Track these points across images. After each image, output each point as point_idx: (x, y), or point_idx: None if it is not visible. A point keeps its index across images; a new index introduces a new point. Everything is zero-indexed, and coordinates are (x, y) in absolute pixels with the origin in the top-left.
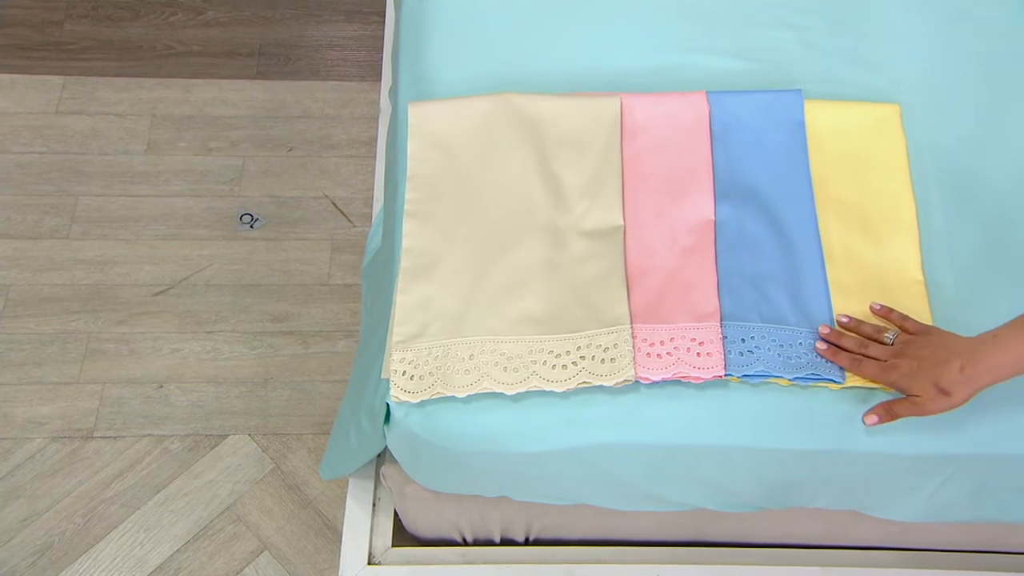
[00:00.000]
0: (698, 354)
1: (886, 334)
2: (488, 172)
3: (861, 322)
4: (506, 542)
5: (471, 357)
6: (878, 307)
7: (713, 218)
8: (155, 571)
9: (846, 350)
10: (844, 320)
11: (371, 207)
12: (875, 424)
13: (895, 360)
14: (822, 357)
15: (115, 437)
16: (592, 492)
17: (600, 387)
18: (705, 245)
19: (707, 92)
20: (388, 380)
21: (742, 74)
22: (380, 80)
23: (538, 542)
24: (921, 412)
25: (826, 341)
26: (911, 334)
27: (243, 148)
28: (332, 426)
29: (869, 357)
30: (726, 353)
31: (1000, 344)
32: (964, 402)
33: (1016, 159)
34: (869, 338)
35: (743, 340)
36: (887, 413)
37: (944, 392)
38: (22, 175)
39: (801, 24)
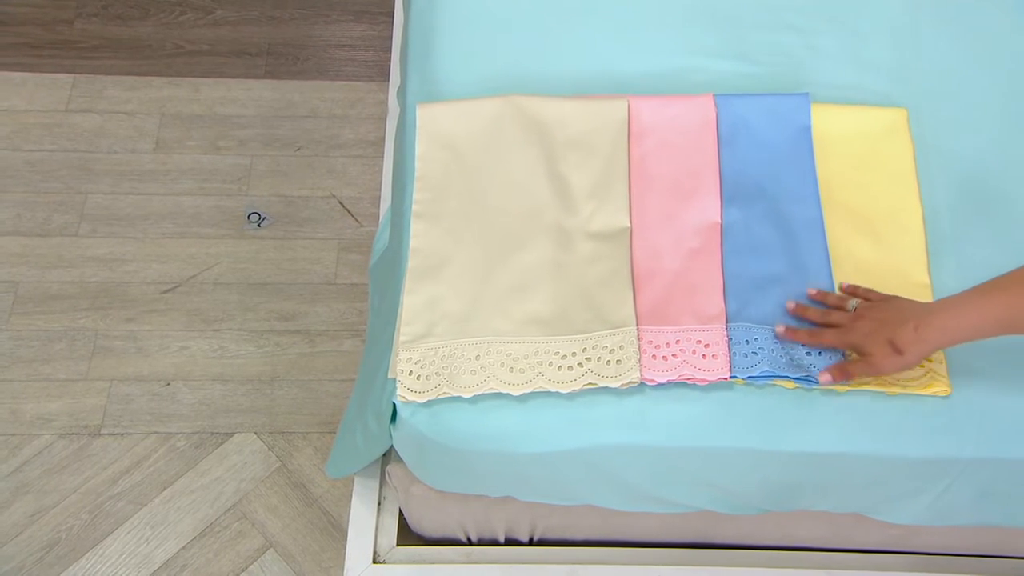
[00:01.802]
0: (703, 356)
1: (849, 302)
2: (496, 173)
3: (827, 293)
4: (510, 542)
5: (477, 357)
6: (846, 285)
7: (719, 221)
8: (161, 568)
9: (809, 321)
10: (812, 292)
11: (378, 207)
12: (828, 383)
13: (853, 323)
14: (823, 355)
15: (122, 434)
16: (596, 493)
17: (606, 388)
18: (711, 248)
19: (714, 95)
20: (395, 380)
21: (749, 77)
22: (388, 80)
23: (542, 542)
24: (874, 371)
25: (785, 325)
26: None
27: (251, 147)
28: (338, 425)
29: (831, 326)
30: (731, 355)
31: (955, 308)
32: (916, 362)
33: (1023, 163)
34: (833, 307)
35: (747, 342)
36: (840, 372)
37: (897, 350)
38: (31, 172)
39: (808, 28)
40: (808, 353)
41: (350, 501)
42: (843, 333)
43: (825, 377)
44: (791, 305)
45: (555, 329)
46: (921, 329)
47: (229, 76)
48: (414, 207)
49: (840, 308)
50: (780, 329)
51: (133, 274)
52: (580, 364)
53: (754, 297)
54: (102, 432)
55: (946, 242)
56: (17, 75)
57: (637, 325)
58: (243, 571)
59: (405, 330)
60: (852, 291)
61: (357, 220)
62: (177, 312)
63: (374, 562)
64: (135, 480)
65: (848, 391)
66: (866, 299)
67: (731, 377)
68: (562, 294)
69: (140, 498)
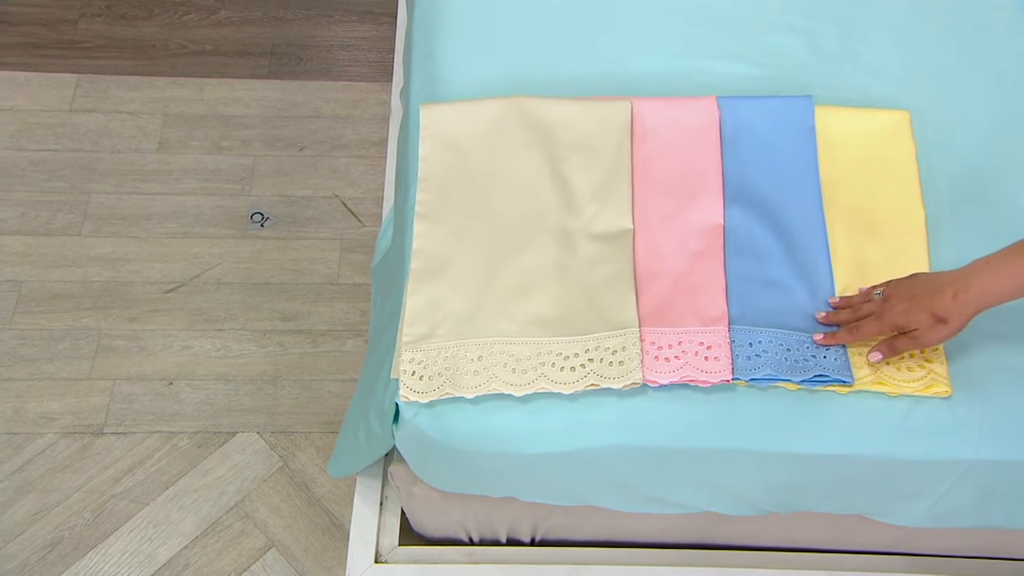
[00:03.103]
0: (706, 358)
1: (874, 293)
2: (499, 175)
3: (849, 297)
4: (512, 542)
5: (480, 358)
6: (864, 290)
7: (722, 223)
8: (163, 567)
9: (842, 323)
10: (834, 301)
11: (381, 207)
12: (879, 361)
13: (885, 306)
14: (827, 357)
15: (125, 433)
16: (598, 494)
17: (608, 389)
18: (714, 249)
19: (717, 97)
20: (397, 380)
21: (752, 79)
22: (391, 81)
23: (544, 543)
24: (921, 344)
25: (823, 333)
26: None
27: (254, 147)
28: (340, 425)
29: (864, 318)
30: (733, 357)
31: (993, 270)
32: (961, 328)
33: None
34: (859, 305)
35: (750, 344)
36: (889, 349)
37: (941, 320)
38: (35, 172)
39: (811, 30)
40: (813, 355)
41: (352, 501)
42: (879, 317)
43: (875, 356)
44: (821, 315)
45: (557, 330)
46: (960, 296)
47: (232, 76)
48: (417, 208)
49: (867, 302)
50: (818, 338)
51: (136, 273)
52: (582, 365)
53: (757, 299)
54: (105, 431)
55: (948, 244)
56: (21, 75)
57: (639, 326)
58: (245, 570)
59: (408, 330)
60: (869, 292)
61: (360, 220)
62: (180, 312)
63: (376, 562)
64: (137, 479)
65: (850, 392)
66: (886, 285)
67: (733, 379)
68: (565, 295)
69: (142, 497)
